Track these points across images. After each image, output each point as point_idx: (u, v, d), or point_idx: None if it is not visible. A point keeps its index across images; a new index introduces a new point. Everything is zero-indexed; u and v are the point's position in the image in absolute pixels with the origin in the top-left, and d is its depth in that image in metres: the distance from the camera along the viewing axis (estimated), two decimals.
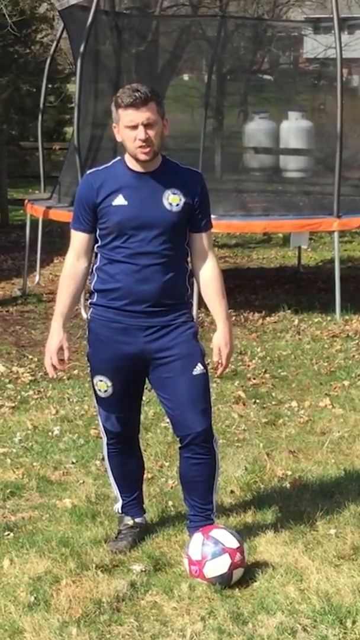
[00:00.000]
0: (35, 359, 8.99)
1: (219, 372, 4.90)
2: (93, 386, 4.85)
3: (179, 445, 4.78)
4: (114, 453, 4.95)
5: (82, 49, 11.34)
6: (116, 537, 4.96)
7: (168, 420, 4.97)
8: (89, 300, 4.79)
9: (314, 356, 8.92)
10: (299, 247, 13.74)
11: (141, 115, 4.52)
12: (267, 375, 8.28)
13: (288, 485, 5.70)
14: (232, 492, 5.60)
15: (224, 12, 15.22)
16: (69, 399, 7.61)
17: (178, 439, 4.77)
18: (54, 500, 5.59)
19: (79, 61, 11.38)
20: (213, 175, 13.94)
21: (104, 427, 4.91)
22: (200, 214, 4.74)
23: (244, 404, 7.45)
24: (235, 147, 15.04)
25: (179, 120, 15.33)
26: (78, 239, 4.76)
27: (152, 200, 4.62)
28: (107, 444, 4.95)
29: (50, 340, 4.80)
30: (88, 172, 4.84)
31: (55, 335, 4.78)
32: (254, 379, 8.19)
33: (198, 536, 4.56)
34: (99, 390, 4.80)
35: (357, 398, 7.57)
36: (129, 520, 4.99)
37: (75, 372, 8.55)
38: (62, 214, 11.81)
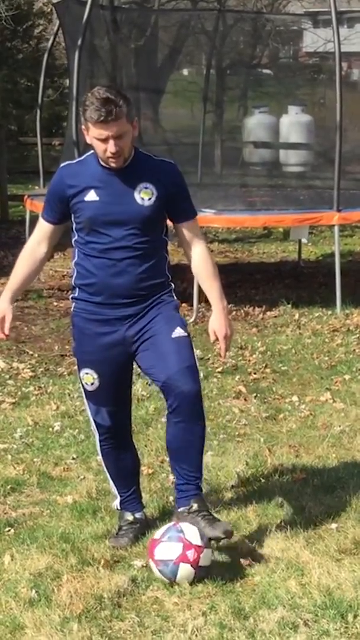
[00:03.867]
0: (36, 355, 8.98)
1: (221, 355, 4.86)
2: (80, 381, 4.87)
3: (168, 411, 4.63)
4: (107, 449, 4.95)
5: (79, 43, 11.32)
6: (117, 534, 4.95)
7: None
8: (71, 295, 4.82)
9: (315, 350, 8.91)
10: (300, 242, 13.72)
11: (110, 130, 4.50)
12: (267, 370, 8.27)
13: (289, 480, 5.69)
14: (232, 487, 5.59)
15: (223, 6, 15.19)
16: (69, 395, 7.60)
17: (167, 406, 4.62)
18: (54, 496, 5.58)
19: (76, 56, 11.35)
20: (213, 169, 13.94)
21: (94, 422, 4.90)
22: (179, 204, 4.74)
23: (245, 399, 7.45)
24: (235, 142, 15.03)
25: (179, 115, 15.33)
26: (43, 227, 4.83)
27: (124, 196, 4.62)
28: (100, 441, 4.94)
29: None
30: (62, 164, 4.84)
31: (1, 305, 4.90)
32: (255, 373, 8.18)
33: (187, 525, 4.53)
34: (86, 383, 4.82)
35: (358, 392, 7.56)
36: (129, 516, 4.99)
37: (76, 367, 8.53)
38: None
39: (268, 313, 10.45)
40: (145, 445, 6.33)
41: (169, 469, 5.81)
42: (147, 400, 7.34)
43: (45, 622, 4.17)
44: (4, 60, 20.72)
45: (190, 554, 4.43)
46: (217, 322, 4.78)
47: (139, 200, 4.62)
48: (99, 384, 4.78)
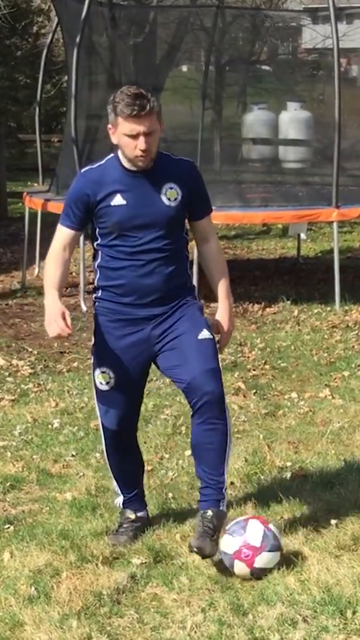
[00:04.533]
0: (35, 352, 8.99)
1: (219, 349, 4.85)
2: (94, 380, 4.83)
3: (191, 413, 4.68)
4: (112, 450, 4.94)
5: (77, 39, 11.31)
6: (117, 530, 4.95)
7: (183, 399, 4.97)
8: (94, 295, 4.80)
9: (314, 347, 8.91)
10: (299, 238, 13.73)
11: (142, 127, 4.50)
12: (267, 367, 8.27)
13: (288, 476, 5.69)
14: (232, 483, 5.59)
15: (221, 3, 15.17)
16: (68, 392, 7.60)
17: (190, 407, 4.66)
18: (54, 493, 5.59)
19: (74, 52, 11.35)
20: (212, 166, 13.92)
21: (102, 423, 4.89)
22: (198, 202, 4.75)
23: (244, 395, 7.45)
24: (234, 138, 15.02)
25: (178, 112, 15.30)
26: (64, 234, 4.75)
27: (151, 198, 4.62)
28: (105, 441, 4.93)
29: (51, 310, 4.64)
30: (82, 170, 4.81)
31: (56, 304, 4.65)
32: (254, 370, 8.18)
33: (256, 524, 4.55)
34: (100, 383, 4.78)
35: (357, 388, 7.56)
36: (130, 514, 4.98)
37: (75, 364, 8.55)
38: (61, 207, 11.76)
39: (267, 309, 10.46)
40: (144, 442, 6.32)
41: (168, 465, 5.84)
42: (146, 398, 7.31)
43: (44, 618, 4.18)
44: (3, 57, 20.71)
45: (245, 553, 4.46)
46: (223, 317, 4.84)
47: (165, 202, 4.62)
48: (113, 384, 4.75)
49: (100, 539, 4.87)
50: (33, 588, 4.43)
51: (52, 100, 20.09)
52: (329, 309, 10.39)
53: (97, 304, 4.80)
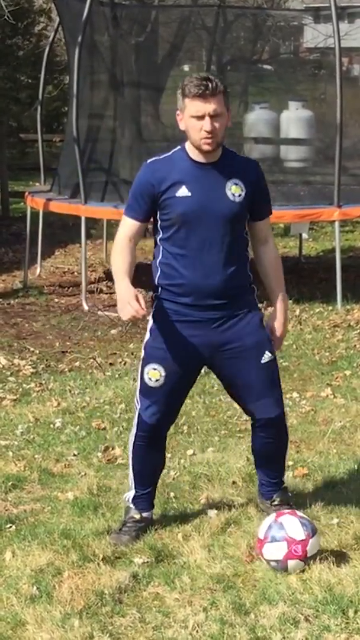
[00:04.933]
0: (37, 352, 8.99)
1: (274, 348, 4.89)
2: (142, 375, 4.78)
3: (253, 423, 4.91)
4: (139, 445, 4.90)
5: (79, 39, 11.32)
6: (120, 529, 4.94)
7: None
8: (154, 294, 4.77)
9: (316, 346, 8.91)
10: (300, 238, 13.72)
11: (208, 107, 4.50)
12: None
13: (290, 476, 5.68)
14: (234, 482, 5.60)
15: (223, 2, 15.17)
16: (70, 391, 7.61)
17: (254, 421, 4.91)
18: (55, 492, 5.59)
19: (76, 52, 11.36)
20: None
21: (139, 417, 4.85)
22: (260, 202, 4.76)
23: None
24: (236, 138, 14.99)
25: None
26: (130, 225, 4.71)
27: (216, 191, 4.61)
28: (136, 434, 4.90)
29: (123, 294, 4.50)
30: (148, 161, 4.76)
31: (129, 288, 4.51)
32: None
33: (290, 518, 4.60)
34: (150, 379, 4.75)
35: (359, 388, 7.56)
36: (135, 514, 4.96)
37: (77, 364, 8.56)
38: (63, 206, 11.82)
39: (269, 309, 10.41)
40: None
41: (170, 464, 5.83)
42: None
43: (46, 618, 4.18)
44: (4, 57, 20.71)
45: (297, 550, 4.48)
46: (277, 322, 4.89)
47: (230, 196, 4.62)
48: (163, 382, 4.73)
49: (102, 538, 4.87)
50: (35, 587, 4.43)
51: (53, 101, 20.09)
52: (330, 308, 10.39)
53: (156, 302, 4.75)
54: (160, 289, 4.73)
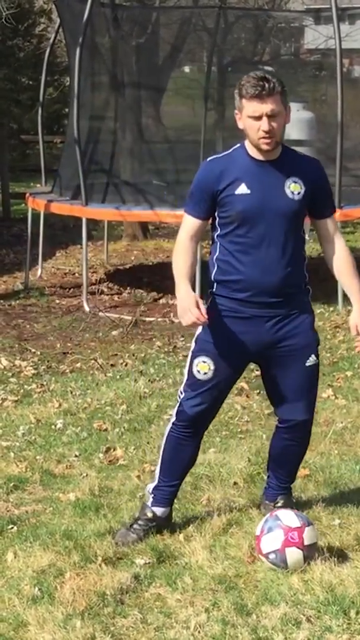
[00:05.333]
0: (38, 353, 8.99)
1: (358, 348, 4.91)
2: (190, 367, 4.77)
3: (279, 423, 4.92)
4: (175, 435, 4.87)
5: (80, 40, 11.33)
6: (130, 526, 4.90)
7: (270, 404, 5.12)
8: (209, 290, 4.77)
9: None
10: None
11: (265, 107, 4.50)
12: None
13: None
14: (235, 483, 5.60)
15: (224, 3, 15.17)
16: (71, 392, 7.61)
17: (279, 420, 4.92)
18: (57, 493, 5.59)
19: (77, 53, 11.36)
20: None
21: (180, 406, 4.83)
22: (322, 201, 4.76)
23: (247, 396, 7.45)
24: (237, 139, 14.98)
25: (180, 113, 15.29)
26: (190, 223, 4.73)
27: (275, 189, 4.61)
28: (174, 424, 4.87)
29: (184, 299, 4.54)
30: (208, 159, 4.77)
31: (189, 294, 4.55)
32: (257, 370, 8.14)
33: (285, 511, 4.66)
34: (198, 371, 4.74)
35: None
36: (149, 512, 4.92)
37: (78, 365, 8.56)
38: (64, 207, 11.83)
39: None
40: (148, 442, 6.34)
41: None
42: (149, 398, 7.35)
43: (48, 619, 4.18)
44: (5, 58, 20.73)
45: (293, 536, 4.49)
46: (358, 319, 4.87)
47: (289, 194, 4.61)
48: (212, 375, 4.73)
49: (104, 539, 4.87)
50: (37, 588, 4.43)
51: (54, 102, 20.12)
52: (331, 309, 10.40)
53: (211, 298, 4.74)
54: (216, 284, 4.74)
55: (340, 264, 4.88)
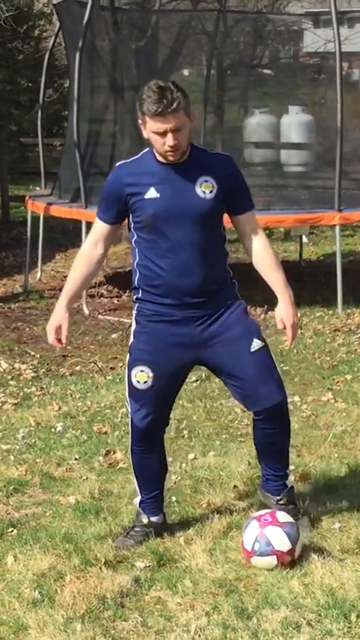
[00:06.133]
0: (38, 356, 8.99)
1: (287, 342, 4.87)
2: (129, 378, 4.78)
3: (254, 417, 4.83)
4: (136, 449, 4.90)
5: (80, 44, 11.33)
6: (127, 533, 4.93)
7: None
8: (134, 296, 4.77)
9: (316, 350, 8.91)
10: (300, 242, 13.73)
11: (168, 124, 4.47)
12: None
13: (291, 480, 5.68)
14: (235, 486, 5.59)
15: (223, 7, 15.19)
16: (71, 395, 7.61)
17: (254, 414, 4.82)
18: (57, 496, 5.59)
19: (76, 56, 11.37)
20: None
21: (132, 420, 4.85)
22: (237, 196, 4.73)
23: None
24: (236, 142, 15.01)
25: None
26: (99, 227, 4.76)
27: (185, 191, 4.59)
28: (132, 438, 4.89)
29: (53, 318, 4.81)
30: (117, 164, 4.78)
31: (57, 314, 4.79)
32: None
33: (254, 527, 4.62)
34: (138, 381, 4.74)
35: None
36: (144, 518, 4.95)
37: (78, 368, 8.56)
38: (63, 210, 11.83)
39: (270, 313, 10.44)
40: None
41: (171, 469, 5.82)
42: None
43: (48, 622, 4.18)
44: (5, 61, 20.74)
45: (286, 560, 4.54)
46: (284, 311, 4.83)
47: (200, 194, 4.59)
48: (152, 384, 4.72)
49: (104, 542, 4.87)
50: (37, 591, 4.42)
51: (54, 104, 20.12)
52: (331, 312, 10.40)
53: (137, 304, 4.76)
54: (140, 290, 4.74)
55: (261, 258, 4.83)
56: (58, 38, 14.55)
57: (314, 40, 17.03)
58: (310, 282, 12.12)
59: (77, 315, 10.74)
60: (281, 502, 4.97)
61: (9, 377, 8.26)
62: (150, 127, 4.52)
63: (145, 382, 4.73)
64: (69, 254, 14.46)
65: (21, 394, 7.75)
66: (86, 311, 10.84)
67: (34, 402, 7.52)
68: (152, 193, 4.58)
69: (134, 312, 4.80)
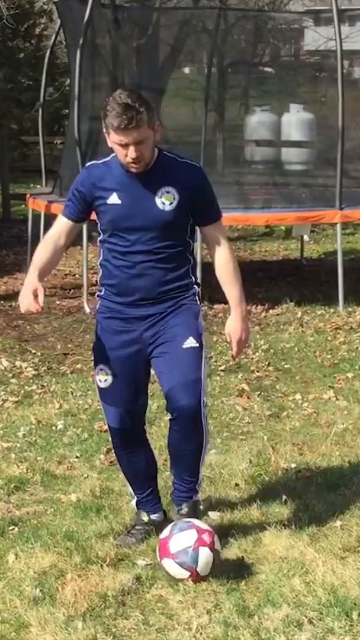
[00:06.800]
0: (39, 354, 8.99)
1: (233, 356, 4.86)
2: (95, 379, 4.85)
3: (169, 417, 4.78)
4: (119, 451, 4.94)
5: (80, 41, 11.33)
6: (128, 532, 4.93)
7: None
8: (97, 293, 4.82)
9: (318, 348, 8.90)
10: (302, 240, 13.72)
11: (131, 137, 4.46)
12: (270, 368, 8.27)
13: (293, 478, 5.68)
14: (236, 485, 5.59)
15: (224, 4, 15.19)
16: (72, 393, 7.60)
17: (169, 413, 4.76)
18: (58, 494, 5.58)
19: (77, 54, 11.36)
20: (215, 168, 13.92)
21: (107, 423, 4.90)
22: (202, 208, 4.70)
23: (248, 397, 7.44)
24: (237, 140, 15.00)
25: (180, 114, 15.30)
26: (62, 224, 4.78)
27: (145, 200, 4.59)
28: (112, 440, 4.94)
29: (26, 284, 4.68)
30: (88, 164, 4.83)
31: (31, 281, 4.67)
32: (258, 371, 8.18)
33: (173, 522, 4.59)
34: (99, 380, 4.80)
35: None
36: (144, 516, 4.96)
37: (79, 366, 8.55)
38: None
39: (271, 311, 10.45)
40: None
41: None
42: (149, 399, 7.31)
43: (49, 620, 4.17)
44: (5, 59, 20.72)
45: (206, 537, 4.45)
46: (232, 326, 4.78)
47: (159, 205, 4.59)
48: (111, 381, 4.75)
49: (105, 540, 4.86)
50: (38, 589, 4.42)
51: (54, 103, 20.11)
52: (332, 310, 10.39)
53: (99, 302, 4.82)
54: (103, 288, 4.79)
55: (223, 271, 4.78)
56: (59, 36, 14.54)
57: (315, 38, 17.02)
58: (312, 280, 12.12)
59: (78, 314, 10.74)
60: (182, 512, 4.81)
61: (10, 375, 8.25)
62: (112, 139, 4.53)
63: (105, 380, 4.77)
64: (69, 253, 14.43)
65: (22, 392, 7.74)
66: (87, 309, 10.83)
67: (34, 400, 7.51)
68: (114, 199, 4.61)
69: (97, 309, 4.85)
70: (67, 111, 17.86)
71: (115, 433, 4.87)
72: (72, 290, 11.89)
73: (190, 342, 4.67)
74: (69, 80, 15.58)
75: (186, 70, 17.29)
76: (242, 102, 15.65)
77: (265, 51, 16.73)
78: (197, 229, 4.80)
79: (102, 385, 4.79)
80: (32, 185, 18.47)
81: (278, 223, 12.77)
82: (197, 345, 4.68)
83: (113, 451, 5.01)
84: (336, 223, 10.91)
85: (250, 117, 14.34)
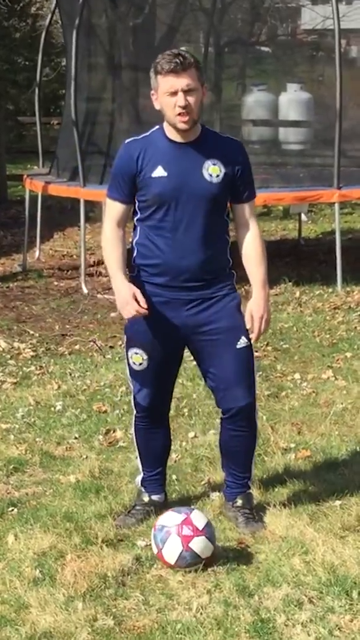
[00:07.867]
0: (37, 335, 8.98)
1: (252, 338, 4.78)
2: (127, 359, 4.78)
3: (222, 415, 4.80)
4: (141, 427, 4.91)
5: (76, 21, 11.26)
6: (128, 512, 4.94)
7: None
8: (130, 274, 4.71)
9: (316, 328, 8.90)
10: (299, 220, 13.70)
11: (181, 82, 4.44)
12: (269, 348, 8.26)
13: (292, 458, 5.69)
14: None
15: None
16: (70, 374, 7.60)
17: (221, 411, 4.80)
18: (57, 475, 5.58)
19: (73, 34, 11.30)
20: None
21: (134, 399, 4.86)
22: (242, 185, 4.67)
23: None
24: (234, 120, 14.94)
25: None
26: (115, 208, 4.68)
27: (192, 172, 4.54)
28: (136, 417, 4.90)
29: (121, 292, 4.57)
30: (126, 141, 4.71)
31: (123, 287, 4.58)
32: (256, 351, 8.11)
33: (152, 531, 4.49)
34: (134, 363, 4.74)
35: None
36: (145, 497, 4.96)
37: (77, 347, 8.55)
38: (61, 189, 11.79)
39: (269, 291, 10.43)
40: None
41: (172, 447, 5.81)
42: None
43: (49, 601, 4.17)
44: (1, 39, 20.63)
45: (186, 530, 4.37)
46: (255, 305, 4.72)
47: (207, 177, 4.55)
48: (147, 365, 4.71)
49: (105, 521, 4.87)
50: (38, 570, 4.42)
51: (51, 83, 20.03)
52: (330, 290, 10.38)
53: (131, 283, 4.68)
54: (136, 269, 4.70)
55: (249, 250, 4.74)
56: (55, 16, 14.46)
57: (312, 17, 16.92)
58: (310, 260, 12.10)
59: (76, 294, 10.73)
60: (237, 505, 4.87)
61: (8, 356, 8.25)
62: (162, 89, 4.48)
63: (140, 364, 4.73)
64: (67, 233, 14.43)
65: (20, 373, 7.73)
66: (85, 290, 10.82)
67: (33, 381, 7.51)
68: (159, 171, 4.54)
69: None
70: (63, 91, 17.79)
71: (143, 411, 4.84)
72: (69, 271, 11.88)
73: (243, 342, 4.69)
74: (65, 61, 15.51)
75: (183, 49, 17.20)
76: (239, 81, 15.58)
77: (262, 30, 16.64)
78: None
79: (137, 368, 4.74)
80: (29, 166, 18.43)
81: (276, 203, 12.74)
82: (249, 343, 4.71)
83: (133, 426, 4.94)
84: (334, 202, 10.88)
85: (247, 96, 14.27)
